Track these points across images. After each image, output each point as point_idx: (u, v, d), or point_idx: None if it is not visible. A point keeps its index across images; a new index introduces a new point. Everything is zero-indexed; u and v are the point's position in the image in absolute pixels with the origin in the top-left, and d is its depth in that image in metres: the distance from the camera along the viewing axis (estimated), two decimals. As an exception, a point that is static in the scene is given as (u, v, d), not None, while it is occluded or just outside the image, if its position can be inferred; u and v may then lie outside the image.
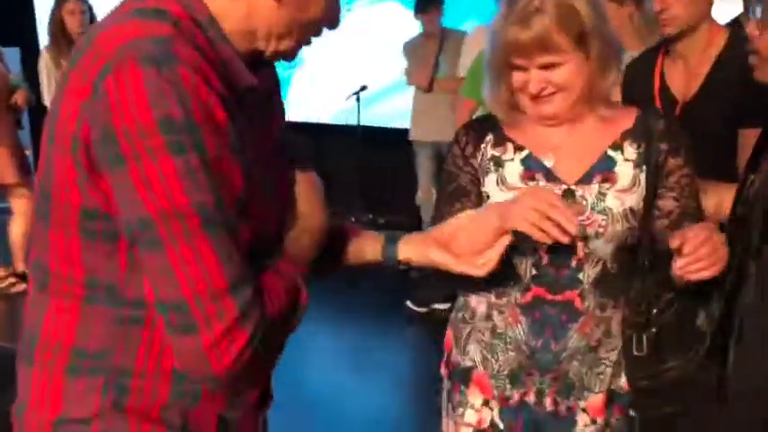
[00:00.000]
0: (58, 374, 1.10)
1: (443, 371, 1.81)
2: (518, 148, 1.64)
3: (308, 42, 1.18)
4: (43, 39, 5.58)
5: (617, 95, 2.18)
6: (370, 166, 6.19)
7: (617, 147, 1.61)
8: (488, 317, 1.68)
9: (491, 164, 1.64)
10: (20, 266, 4.84)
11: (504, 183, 1.62)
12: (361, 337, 4.48)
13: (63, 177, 1.02)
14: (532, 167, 1.62)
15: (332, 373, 4.01)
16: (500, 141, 1.64)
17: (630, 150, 1.60)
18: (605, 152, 1.60)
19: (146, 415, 1.10)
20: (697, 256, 1.36)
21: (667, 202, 1.60)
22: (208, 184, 0.96)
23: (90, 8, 4.86)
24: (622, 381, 1.67)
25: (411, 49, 5.21)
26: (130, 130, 0.93)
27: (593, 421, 1.68)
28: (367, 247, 1.43)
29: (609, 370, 1.66)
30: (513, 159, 1.63)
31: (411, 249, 1.41)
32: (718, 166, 1.98)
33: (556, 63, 1.49)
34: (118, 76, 0.94)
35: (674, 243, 1.38)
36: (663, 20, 2.17)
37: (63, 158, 1.02)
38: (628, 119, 1.63)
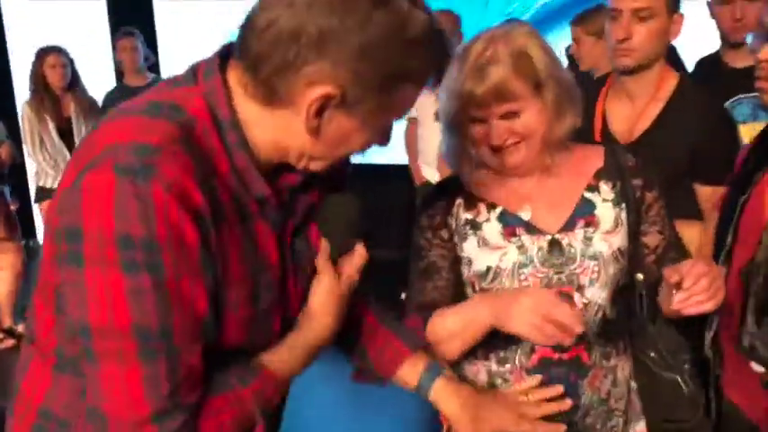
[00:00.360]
0: (25, 431, 1.14)
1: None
2: (491, 207, 1.58)
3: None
4: (19, 92, 5.12)
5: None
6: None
7: (592, 188, 1.58)
8: (491, 385, 1.60)
9: (467, 228, 1.58)
10: (6, 322, 4.72)
11: (486, 244, 1.56)
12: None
13: (47, 253, 1.04)
14: (511, 223, 1.56)
15: (332, 410, 3.82)
16: (471, 203, 1.59)
17: (606, 189, 1.58)
18: (582, 195, 1.57)
19: None
20: (696, 290, 1.34)
21: (653, 238, 1.60)
22: (156, 307, 0.96)
23: (71, 61, 4.80)
24: (638, 427, 1.65)
25: None
26: (93, 235, 0.94)
27: None
28: (402, 368, 1.42)
29: (620, 420, 1.63)
30: (489, 219, 1.58)
31: (444, 399, 1.42)
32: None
33: (516, 111, 1.46)
34: (94, 178, 0.95)
35: (672, 278, 1.35)
36: (622, 50, 2.05)
37: (48, 236, 1.04)
38: (597, 158, 1.61)
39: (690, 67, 4.01)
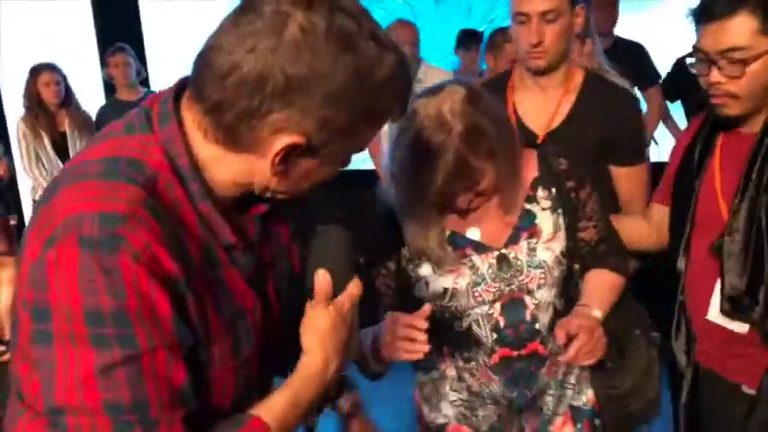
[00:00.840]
0: None
1: (419, 430, 1.88)
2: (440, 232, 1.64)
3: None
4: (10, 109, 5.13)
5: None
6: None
7: (531, 198, 1.67)
8: (460, 378, 1.73)
9: (419, 255, 1.66)
10: (7, 335, 4.81)
11: (440, 268, 1.65)
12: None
13: (23, 324, 0.97)
14: (461, 245, 1.65)
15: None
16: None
17: (543, 197, 1.67)
18: (523, 207, 1.66)
19: None
20: (582, 351, 1.54)
21: (589, 232, 1.72)
22: (127, 381, 0.92)
23: (65, 78, 4.85)
24: (585, 397, 1.79)
25: None
26: (62, 312, 0.91)
27: None
28: None
29: (571, 391, 1.78)
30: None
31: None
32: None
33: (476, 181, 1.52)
34: (59, 253, 0.91)
35: (560, 340, 1.53)
36: (536, 53, 2.13)
37: (20, 306, 0.97)
38: (532, 166, 1.69)
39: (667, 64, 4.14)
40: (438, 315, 1.63)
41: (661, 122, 4.28)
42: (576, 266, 1.73)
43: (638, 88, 3.49)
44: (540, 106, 2.24)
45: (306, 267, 1.14)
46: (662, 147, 4.09)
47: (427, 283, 1.67)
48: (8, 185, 4.92)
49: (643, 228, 2.06)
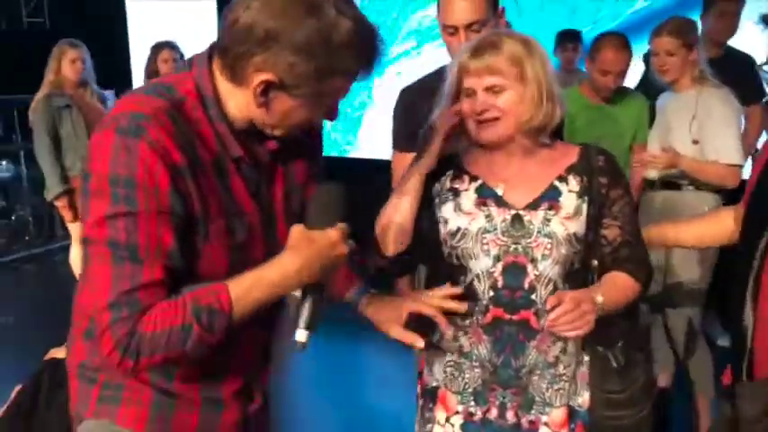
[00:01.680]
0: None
1: (418, 388, 1.98)
2: (473, 179, 1.83)
3: (306, 129, 1.48)
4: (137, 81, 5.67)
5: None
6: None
7: (562, 179, 1.80)
8: (455, 338, 1.82)
9: (449, 194, 1.84)
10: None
11: (460, 209, 1.81)
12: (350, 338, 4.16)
13: None
14: (484, 195, 1.81)
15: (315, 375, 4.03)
16: (458, 174, 1.85)
17: (574, 183, 1.79)
18: (552, 183, 1.79)
19: None
20: (563, 319, 1.59)
21: (612, 231, 1.80)
22: (126, 227, 1.27)
23: (182, 56, 4.96)
24: (581, 399, 1.82)
25: None
26: (95, 175, 1.29)
27: None
28: (350, 291, 1.78)
29: (567, 386, 1.81)
30: (467, 189, 1.83)
31: (365, 306, 1.77)
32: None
33: (499, 86, 1.73)
34: (102, 135, 1.30)
35: (548, 304, 1.62)
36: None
37: None
38: (572, 155, 1.83)
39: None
40: (445, 268, 1.83)
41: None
42: (595, 263, 1.81)
43: (743, 103, 3.43)
44: None
45: (306, 209, 1.45)
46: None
47: (446, 221, 1.83)
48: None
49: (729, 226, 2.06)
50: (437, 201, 1.87)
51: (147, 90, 1.41)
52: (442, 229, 1.84)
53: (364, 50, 1.36)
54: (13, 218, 7.46)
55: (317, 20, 1.29)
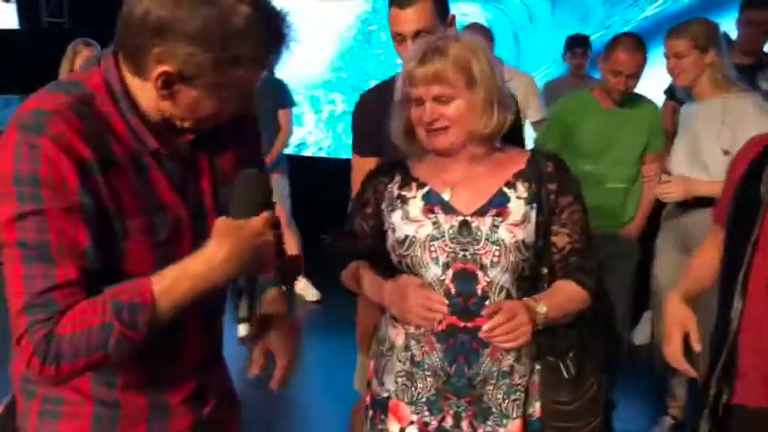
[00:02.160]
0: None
1: (367, 399, 1.96)
2: (420, 185, 1.83)
3: (215, 124, 1.40)
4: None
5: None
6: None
7: (510, 185, 1.79)
8: (407, 347, 1.82)
9: (397, 202, 1.84)
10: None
11: (407, 217, 1.81)
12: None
13: None
14: (432, 202, 1.80)
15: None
16: (406, 181, 1.85)
17: (522, 189, 1.78)
18: (500, 189, 1.78)
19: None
20: (498, 329, 1.63)
21: (561, 239, 1.79)
22: (34, 225, 1.22)
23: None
24: (533, 408, 1.81)
25: (554, 88, 5.03)
26: (1, 176, 1.24)
27: None
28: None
29: (523, 396, 1.79)
30: (415, 197, 1.82)
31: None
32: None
33: (448, 96, 1.71)
34: (5, 135, 1.25)
35: (485, 312, 1.66)
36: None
37: None
38: (521, 160, 1.82)
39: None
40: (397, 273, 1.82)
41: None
42: (545, 271, 1.81)
43: None
44: None
45: (229, 199, 1.41)
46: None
47: (394, 230, 1.83)
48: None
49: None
50: (386, 209, 1.87)
51: (52, 87, 1.35)
52: (391, 237, 1.84)
53: (265, 37, 1.31)
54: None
55: (212, 8, 1.25)
